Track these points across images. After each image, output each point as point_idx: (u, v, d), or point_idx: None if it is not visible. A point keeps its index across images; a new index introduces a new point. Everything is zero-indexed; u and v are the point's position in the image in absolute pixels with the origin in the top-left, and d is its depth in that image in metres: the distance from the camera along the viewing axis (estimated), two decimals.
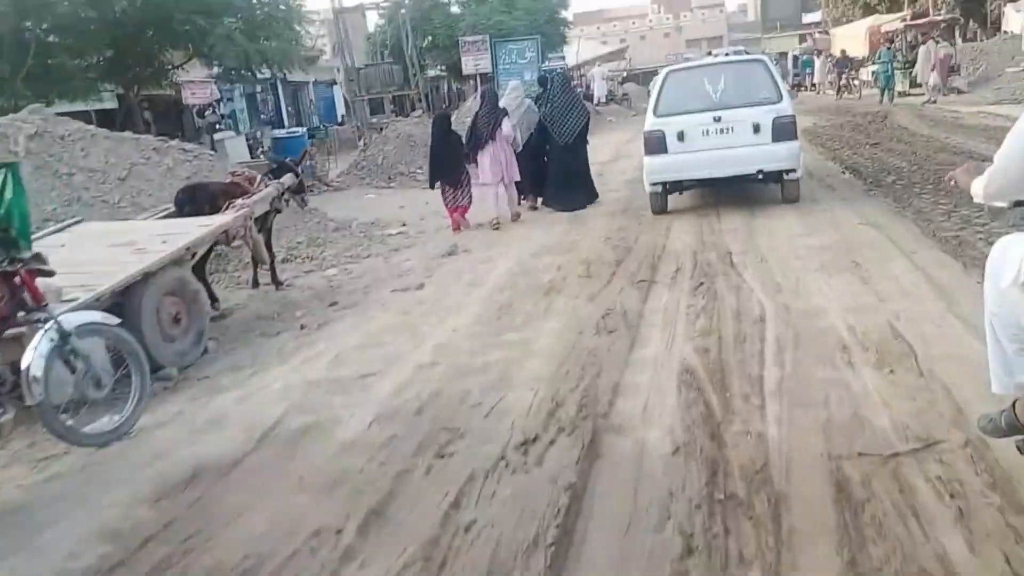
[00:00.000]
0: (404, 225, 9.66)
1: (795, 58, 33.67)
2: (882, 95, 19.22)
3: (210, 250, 6.20)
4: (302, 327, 5.61)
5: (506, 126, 8.77)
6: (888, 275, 5.06)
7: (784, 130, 7.62)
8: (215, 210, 6.08)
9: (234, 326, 5.92)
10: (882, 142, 12.35)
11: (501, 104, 9.34)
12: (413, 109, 22.47)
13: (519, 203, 9.48)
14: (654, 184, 8.10)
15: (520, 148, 9.25)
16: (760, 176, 7.72)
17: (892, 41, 19.82)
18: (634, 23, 63.65)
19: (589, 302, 5.31)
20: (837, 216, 7.19)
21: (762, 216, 7.61)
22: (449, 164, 8.96)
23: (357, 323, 5.56)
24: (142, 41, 15.05)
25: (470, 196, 9.02)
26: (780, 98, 7.85)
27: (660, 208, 8.22)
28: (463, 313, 5.42)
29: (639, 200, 9.47)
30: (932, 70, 18.61)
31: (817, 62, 30.70)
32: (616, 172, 12.39)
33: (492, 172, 8.76)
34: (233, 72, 14.80)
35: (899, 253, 5.60)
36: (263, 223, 6.69)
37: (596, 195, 9.73)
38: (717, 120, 7.73)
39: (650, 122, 8.08)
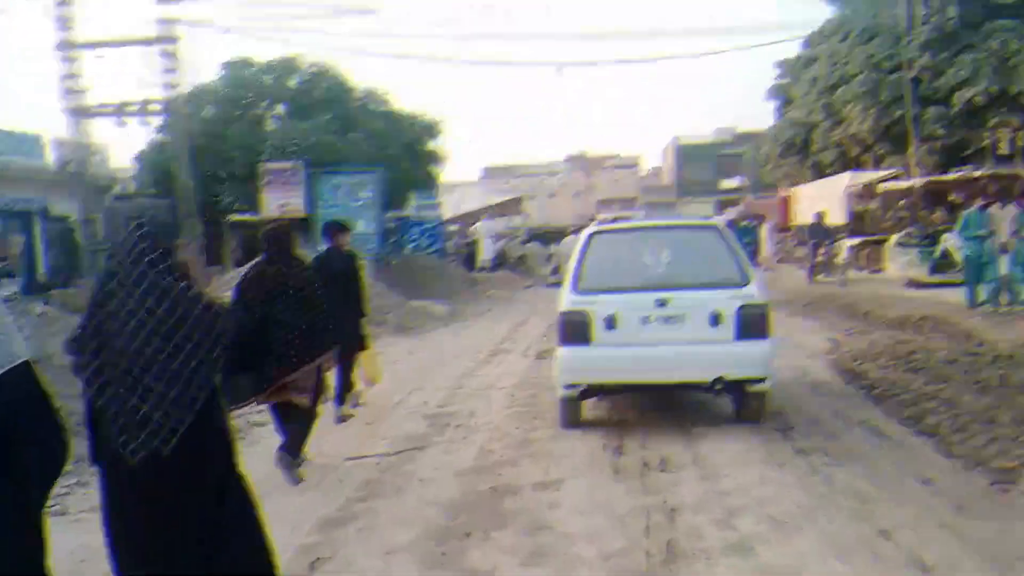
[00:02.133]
0: None
1: (730, 224, 27.10)
2: (972, 293, 10.77)
3: None
4: None
5: None
6: None
7: (754, 323, 5.72)
8: None
9: None
10: None
11: None
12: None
13: None
14: (569, 387, 5.97)
15: None
16: (718, 387, 5.72)
17: (990, 199, 11.69)
18: (543, 180, 59.28)
19: None
20: None
21: None
22: None
23: None
24: None
25: None
26: (745, 279, 5.89)
27: (572, 420, 6.09)
28: None
29: None
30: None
31: (765, 230, 24.19)
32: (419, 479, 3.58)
33: None
34: None
35: None
36: None
37: None
38: (662, 304, 5.80)
39: (569, 299, 6.08)
